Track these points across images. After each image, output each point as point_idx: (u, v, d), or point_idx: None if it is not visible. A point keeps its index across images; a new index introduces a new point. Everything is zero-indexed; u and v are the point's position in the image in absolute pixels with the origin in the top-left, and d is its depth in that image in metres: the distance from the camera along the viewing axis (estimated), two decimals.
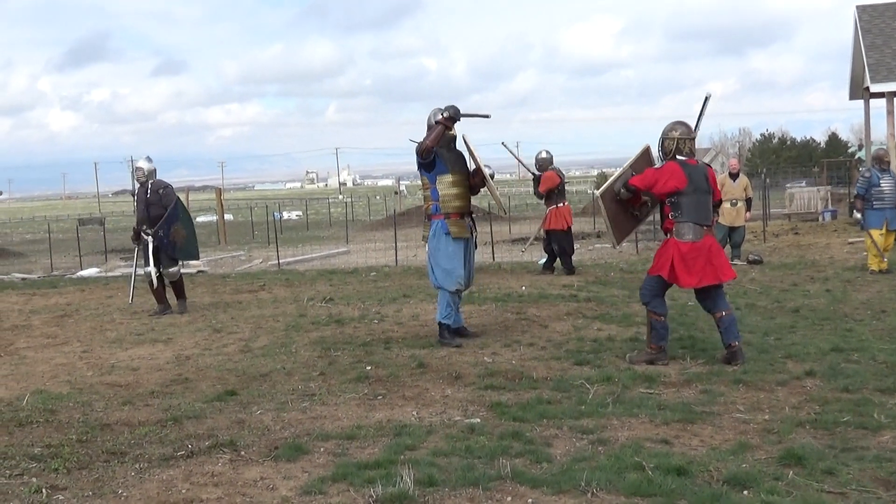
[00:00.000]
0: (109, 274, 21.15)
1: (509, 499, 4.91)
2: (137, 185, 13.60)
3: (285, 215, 59.31)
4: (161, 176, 13.66)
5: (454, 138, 9.81)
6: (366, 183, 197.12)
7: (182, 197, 18.28)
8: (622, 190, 8.62)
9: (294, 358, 9.09)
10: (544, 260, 16.78)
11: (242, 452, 5.90)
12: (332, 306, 12.86)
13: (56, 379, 8.60)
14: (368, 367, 8.43)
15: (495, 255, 20.35)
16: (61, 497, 5.18)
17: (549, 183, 16.38)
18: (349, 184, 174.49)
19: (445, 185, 9.63)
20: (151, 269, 13.16)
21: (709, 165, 8.75)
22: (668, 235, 8.40)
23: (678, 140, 8.39)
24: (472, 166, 9.87)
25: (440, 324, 9.63)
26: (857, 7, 26.32)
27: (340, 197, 74.26)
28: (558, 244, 16.24)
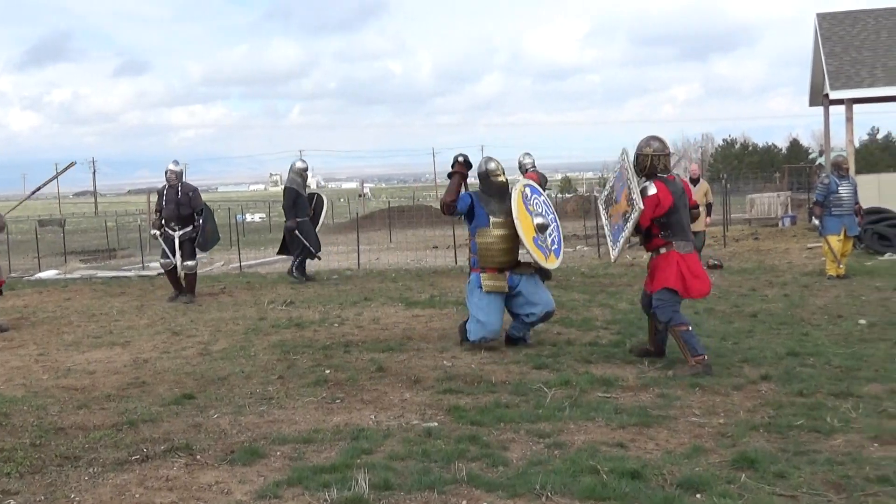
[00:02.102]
0: (68, 276, 20.95)
1: (464, 502, 4.92)
2: (167, 186, 15.06)
3: (248, 217, 58.98)
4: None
5: (504, 184, 9.54)
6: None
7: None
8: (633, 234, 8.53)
9: (253, 361, 9.06)
10: None
11: (198, 456, 5.87)
12: (293, 309, 12.83)
13: (11, 382, 8.52)
14: (327, 371, 8.42)
15: (458, 259, 20.36)
16: (13, 502, 5.13)
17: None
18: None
19: (486, 238, 9.34)
20: (174, 260, 14.81)
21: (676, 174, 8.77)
22: (659, 251, 8.39)
23: (652, 157, 8.36)
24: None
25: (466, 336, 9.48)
26: (818, 15, 26.63)
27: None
28: None
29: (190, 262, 14.75)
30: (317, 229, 17.49)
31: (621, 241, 8.49)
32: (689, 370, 7.95)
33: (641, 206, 8.20)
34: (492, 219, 9.37)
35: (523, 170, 16.64)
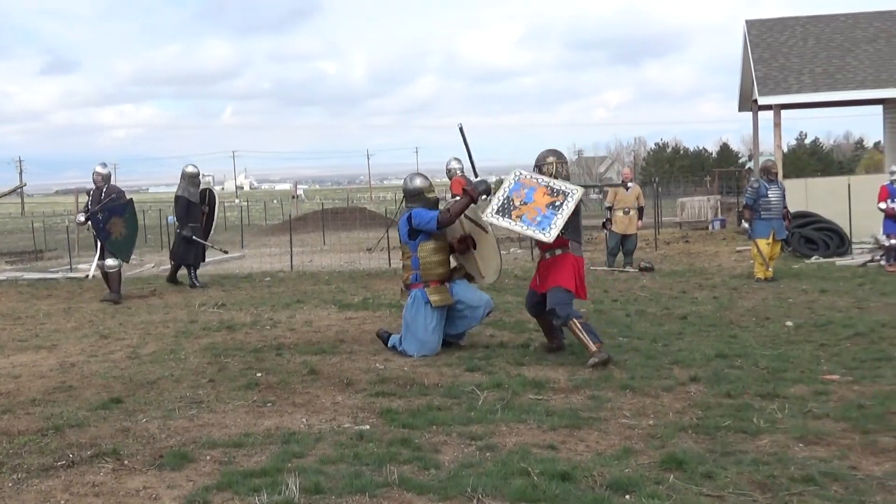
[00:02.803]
0: None
1: None
2: (94, 188, 15.21)
3: None
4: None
5: (437, 201, 9.69)
6: (263, 187, 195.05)
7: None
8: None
9: (183, 365, 8.95)
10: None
11: (126, 461, 5.78)
12: (224, 312, 12.72)
13: None
14: (259, 374, 8.35)
15: (391, 261, 20.33)
16: None
17: (456, 188, 16.32)
18: (246, 187, 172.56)
19: (428, 252, 9.33)
20: (101, 261, 15.05)
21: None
22: (555, 252, 8.85)
23: (556, 164, 9.01)
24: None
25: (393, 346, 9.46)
26: (747, 22, 27.07)
27: (237, 201, 73.18)
28: None
29: (111, 262, 14.83)
30: (213, 224, 17.58)
31: (559, 221, 8.67)
32: (596, 357, 8.36)
33: (579, 188, 8.81)
34: (434, 233, 9.37)
35: (451, 175, 16.60)
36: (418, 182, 9.66)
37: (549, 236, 8.73)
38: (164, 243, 29.56)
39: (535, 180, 8.90)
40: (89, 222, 15.06)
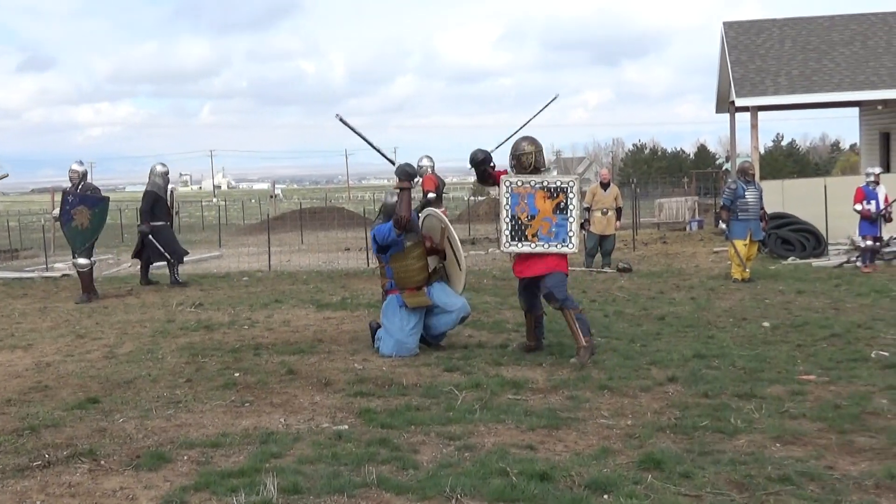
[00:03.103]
0: None
1: None
2: (70, 185, 15.19)
3: None
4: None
5: (416, 209, 9.55)
6: (241, 186, 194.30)
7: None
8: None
9: (160, 364, 8.91)
10: None
11: (102, 462, 5.75)
12: (202, 312, 12.67)
13: None
14: (237, 374, 8.32)
15: (370, 261, 20.32)
16: None
17: (428, 185, 16.29)
18: (224, 187, 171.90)
19: (402, 262, 9.23)
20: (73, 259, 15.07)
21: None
22: None
23: (535, 153, 8.97)
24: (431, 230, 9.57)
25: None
26: (724, 23, 27.20)
27: (214, 200, 72.93)
28: None
29: (82, 261, 14.81)
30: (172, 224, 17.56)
31: (574, 225, 8.79)
32: (583, 353, 8.50)
33: (574, 176, 9.00)
34: (406, 243, 9.26)
35: (422, 173, 16.57)
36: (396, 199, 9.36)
37: (573, 247, 8.79)
38: None
39: (527, 185, 8.83)
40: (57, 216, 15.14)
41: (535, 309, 9.11)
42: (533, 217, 8.78)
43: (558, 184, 8.84)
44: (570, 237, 8.79)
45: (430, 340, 9.45)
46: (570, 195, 8.81)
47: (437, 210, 10.13)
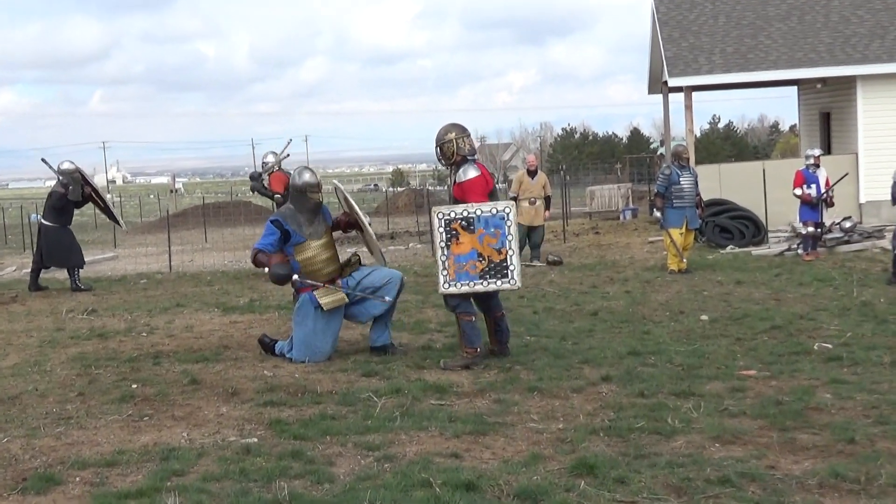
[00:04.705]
0: None
1: None
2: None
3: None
4: None
5: (319, 204, 9.33)
6: (138, 180, 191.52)
7: None
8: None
9: (49, 377, 8.75)
10: None
11: None
12: (95, 318, 12.47)
13: None
14: (134, 386, 8.21)
15: None
16: None
17: (276, 186, 16.13)
18: (119, 182, 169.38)
19: (307, 253, 9.18)
20: None
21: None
22: None
23: (456, 140, 8.87)
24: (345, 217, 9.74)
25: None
26: None
27: (109, 196, 71.75)
28: None
29: None
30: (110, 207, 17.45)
31: (514, 258, 8.64)
32: (459, 360, 8.65)
33: (509, 203, 8.92)
34: (306, 233, 9.21)
35: (269, 170, 16.44)
36: (307, 177, 9.30)
37: (517, 283, 8.70)
38: (27, 244, 28.85)
39: (457, 221, 8.56)
40: None
41: (491, 310, 8.93)
42: (474, 255, 8.59)
43: (493, 211, 8.55)
44: (512, 274, 8.62)
45: (382, 345, 9.31)
46: (509, 223, 8.55)
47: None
